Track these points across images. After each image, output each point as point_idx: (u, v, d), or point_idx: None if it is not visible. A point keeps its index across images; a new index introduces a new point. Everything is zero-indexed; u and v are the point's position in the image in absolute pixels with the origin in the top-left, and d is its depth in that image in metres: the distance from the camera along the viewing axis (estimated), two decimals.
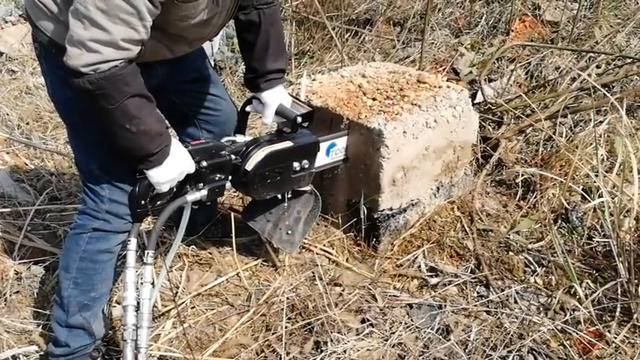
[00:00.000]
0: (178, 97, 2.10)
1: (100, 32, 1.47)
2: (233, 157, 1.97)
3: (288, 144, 2.08)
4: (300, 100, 2.21)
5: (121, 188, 1.79)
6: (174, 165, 1.73)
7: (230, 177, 1.98)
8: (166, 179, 1.73)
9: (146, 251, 1.77)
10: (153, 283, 1.77)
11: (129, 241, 1.79)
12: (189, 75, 2.06)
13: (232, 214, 2.48)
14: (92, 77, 1.50)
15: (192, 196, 1.87)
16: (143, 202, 1.78)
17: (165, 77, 1.94)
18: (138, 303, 1.73)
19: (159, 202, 1.81)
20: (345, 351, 1.98)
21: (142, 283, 1.74)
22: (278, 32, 2.09)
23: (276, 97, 2.11)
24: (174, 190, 1.82)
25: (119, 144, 1.65)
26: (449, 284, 2.28)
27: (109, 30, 1.47)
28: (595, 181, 2.35)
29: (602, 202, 2.22)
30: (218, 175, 1.93)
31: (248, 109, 2.18)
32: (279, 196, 2.21)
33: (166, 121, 1.81)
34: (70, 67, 1.50)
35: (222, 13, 1.77)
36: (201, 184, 1.89)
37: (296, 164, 2.11)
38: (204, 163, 1.86)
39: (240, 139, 2.07)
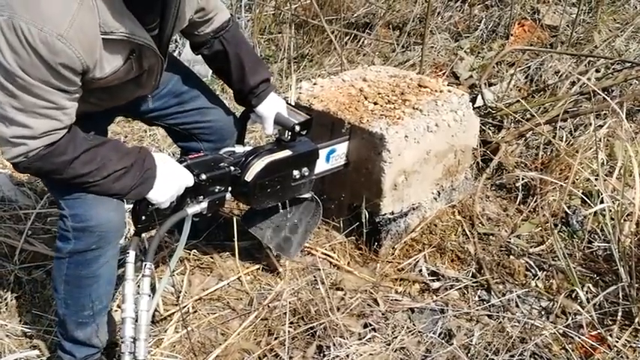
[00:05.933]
0: (165, 119, 2.10)
1: (21, 129, 1.46)
2: (232, 168, 1.96)
3: (287, 153, 2.07)
4: (297, 107, 2.22)
5: (78, 199, 1.66)
6: (170, 182, 1.72)
7: (230, 188, 1.98)
8: (165, 197, 1.72)
9: (144, 263, 1.75)
10: (151, 295, 1.75)
11: (128, 253, 1.76)
12: (165, 99, 2.04)
13: (234, 217, 2.48)
14: (26, 163, 1.52)
15: (193, 209, 1.86)
16: (143, 217, 1.76)
17: (138, 110, 1.96)
18: (137, 314, 1.70)
19: (159, 216, 1.80)
20: (347, 355, 1.99)
21: (140, 294, 1.71)
22: (247, 48, 2.08)
23: (270, 107, 2.11)
24: (174, 203, 1.80)
25: (97, 193, 1.64)
26: (450, 288, 2.28)
27: (29, 126, 1.46)
28: (595, 185, 2.37)
29: (603, 206, 2.23)
30: (218, 187, 1.92)
31: (248, 124, 2.21)
32: (280, 204, 2.21)
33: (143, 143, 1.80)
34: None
35: (151, 73, 1.75)
36: (201, 196, 1.88)
37: (296, 172, 2.11)
38: (204, 176, 1.85)
39: (239, 149, 2.06)
